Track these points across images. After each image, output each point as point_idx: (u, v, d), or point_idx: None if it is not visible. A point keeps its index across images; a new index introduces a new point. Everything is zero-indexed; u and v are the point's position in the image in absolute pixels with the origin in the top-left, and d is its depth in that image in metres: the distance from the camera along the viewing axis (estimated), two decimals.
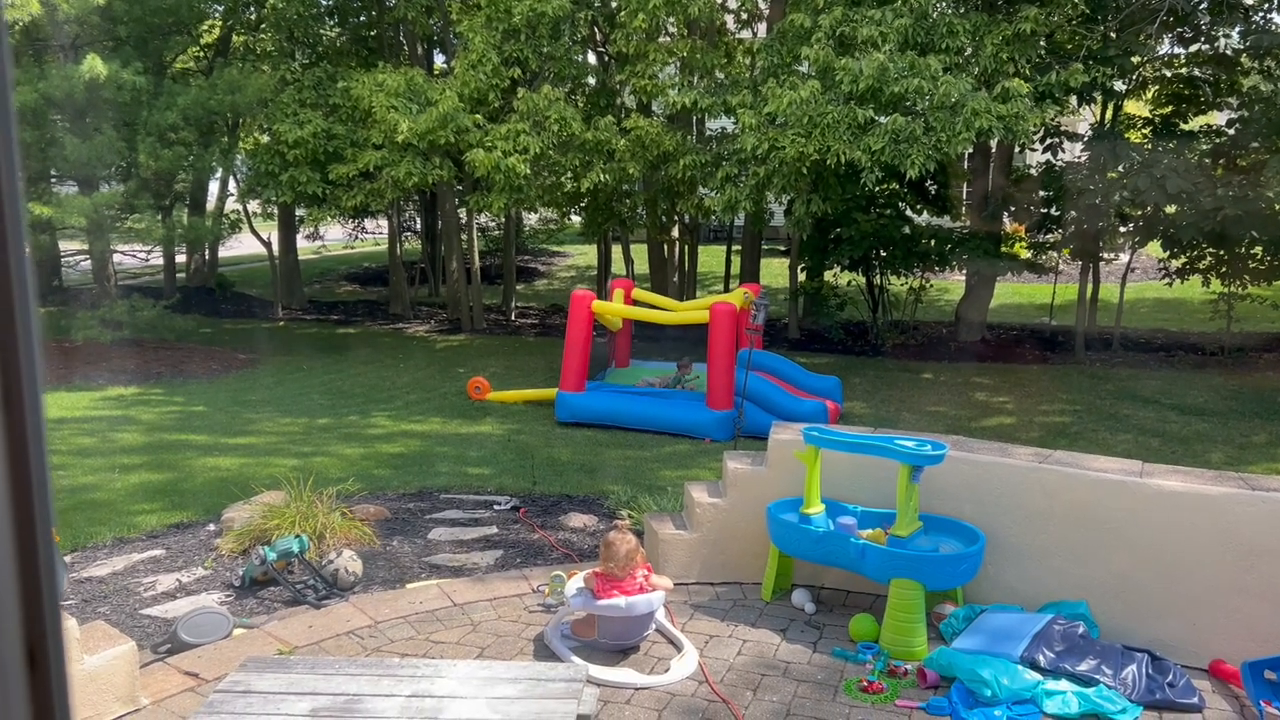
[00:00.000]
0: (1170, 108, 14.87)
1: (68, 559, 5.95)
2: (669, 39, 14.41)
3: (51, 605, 0.44)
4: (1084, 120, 17.87)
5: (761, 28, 16.18)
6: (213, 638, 4.74)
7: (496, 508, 7.03)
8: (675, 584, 5.24)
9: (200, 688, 4.25)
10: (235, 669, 3.49)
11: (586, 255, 25.35)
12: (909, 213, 15.53)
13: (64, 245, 18.35)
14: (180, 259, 20.82)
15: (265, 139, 16.88)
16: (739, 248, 17.30)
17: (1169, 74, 14.97)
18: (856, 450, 4.97)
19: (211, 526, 6.47)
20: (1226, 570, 4.49)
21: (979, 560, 4.79)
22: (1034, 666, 4.26)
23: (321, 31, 18.04)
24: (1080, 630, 4.47)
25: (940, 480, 5.03)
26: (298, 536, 5.60)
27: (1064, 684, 4.16)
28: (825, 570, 5.36)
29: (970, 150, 13.25)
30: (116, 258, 15.66)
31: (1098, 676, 4.20)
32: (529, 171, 12.86)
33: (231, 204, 19.53)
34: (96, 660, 3.87)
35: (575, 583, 4.82)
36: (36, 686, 0.43)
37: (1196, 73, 14.58)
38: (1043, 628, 4.45)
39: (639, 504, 6.74)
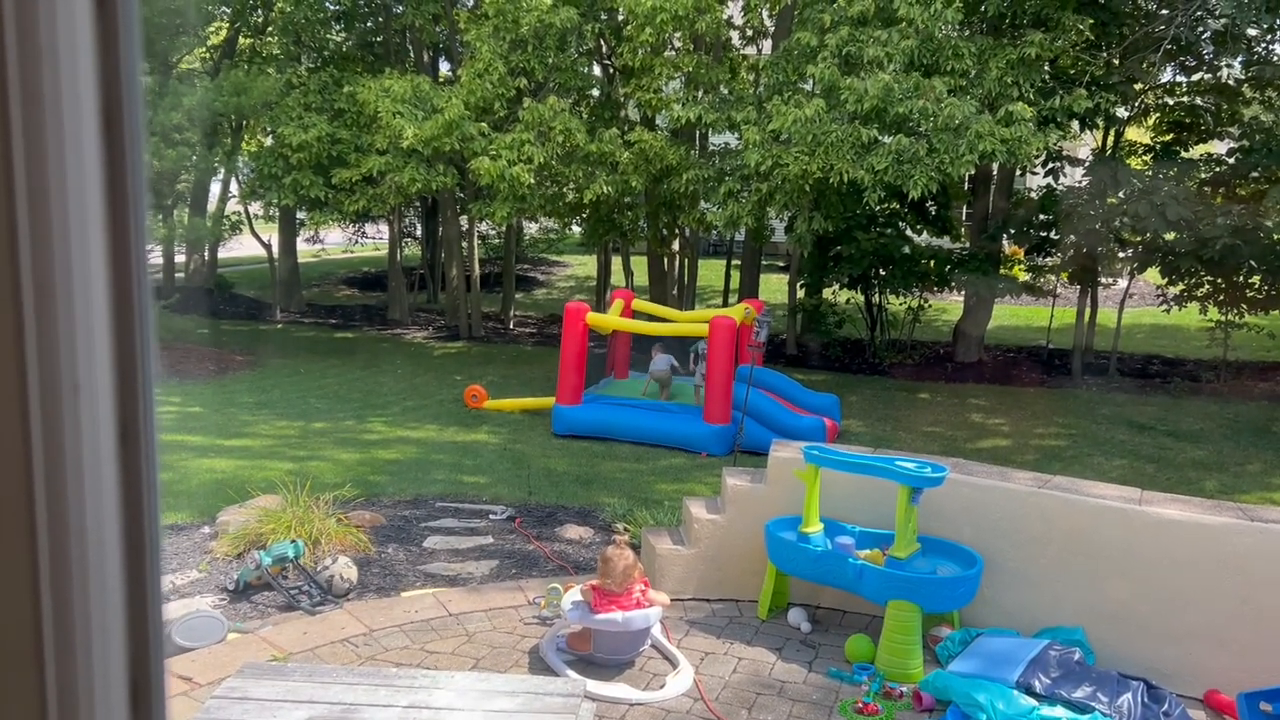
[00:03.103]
0: (1171, 135, 14.95)
1: None
2: (674, 53, 14.46)
3: (156, 642, 0.44)
4: (1085, 145, 17.95)
5: (767, 45, 16.24)
6: (207, 641, 4.72)
7: (492, 517, 7.02)
8: (672, 600, 5.23)
9: (194, 692, 4.23)
10: (233, 675, 3.48)
11: (586, 266, 25.37)
12: (909, 232, 15.58)
13: None
14: (180, 259, 20.81)
15: (269, 141, 16.89)
16: (738, 262, 17.32)
17: (1171, 102, 15.06)
18: (857, 470, 4.97)
19: (206, 529, 6.45)
20: (1223, 600, 4.50)
21: (976, 583, 4.79)
22: (1029, 692, 4.26)
23: (328, 36, 18.07)
24: (1076, 657, 4.47)
25: (939, 502, 5.04)
26: (293, 541, 5.60)
27: (1059, 710, 4.15)
28: (822, 589, 5.35)
29: (972, 172, 13.31)
30: None
31: (1093, 704, 4.19)
32: (533, 181, 12.88)
33: (233, 205, 19.53)
34: None
35: (572, 596, 4.81)
36: None
37: (1198, 101, 14.67)
38: (1039, 653, 4.45)
39: (635, 517, 6.74)
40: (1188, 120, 14.79)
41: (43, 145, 0.39)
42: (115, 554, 0.43)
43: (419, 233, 23.29)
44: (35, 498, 0.40)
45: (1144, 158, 15.04)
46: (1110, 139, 14.76)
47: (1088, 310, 14.64)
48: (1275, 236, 12.22)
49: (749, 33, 16.32)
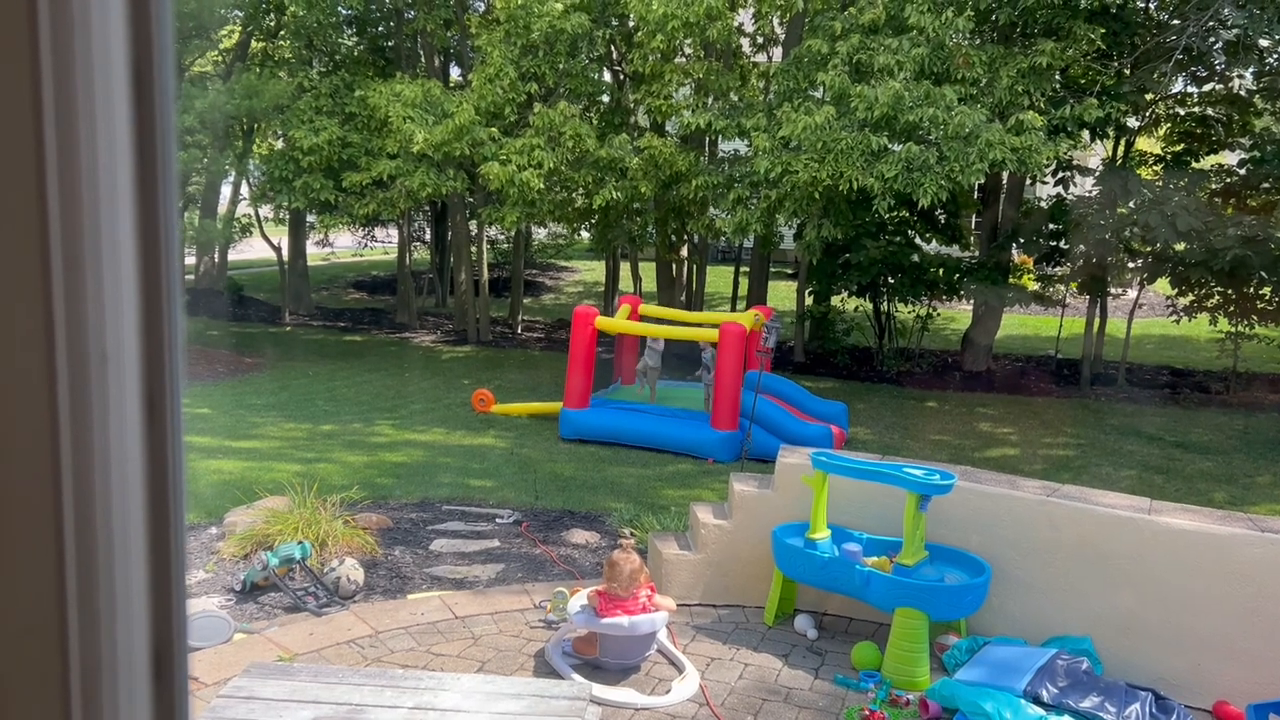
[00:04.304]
0: (1182, 145, 14.90)
1: None
2: (685, 60, 14.49)
3: (179, 616, 0.45)
4: (1095, 155, 17.92)
5: (777, 52, 16.26)
6: (213, 642, 4.72)
7: (499, 521, 7.03)
8: (678, 605, 5.22)
9: (200, 692, 4.24)
10: (239, 675, 3.48)
11: (594, 271, 25.40)
12: (918, 241, 15.56)
13: None
14: (190, 261, 20.88)
15: (280, 145, 16.95)
16: (747, 269, 17.33)
17: (1182, 112, 15.03)
18: (864, 477, 4.96)
19: (214, 530, 6.46)
20: (1232, 611, 4.47)
21: (984, 592, 4.77)
22: (1037, 701, 4.23)
23: (340, 40, 18.15)
24: (1084, 666, 4.45)
25: (947, 510, 5.02)
26: (300, 543, 5.60)
27: None
28: (829, 596, 5.34)
29: (982, 181, 13.30)
30: None
31: (1101, 714, 4.17)
32: (542, 186, 12.90)
33: (243, 208, 19.60)
34: None
35: (578, 600, 4.81)
36: (160, 697, 0.44)
37: (1209, 111, 14.63)
38: (1046, 662, 4.42)
39: (642, 522, 6.73)
40: (1198, 130, 14.75)
41: (73, 112, 0.39)
42: (139, 525, 0.43)
43: (428, 237, 23.34)
44: (61, 467, 0.40)
45: (1154, 168, 14.99)
46: (1121, 149, 14.73)
47: (1097, 320, 14.60)
48: None
49: (760, 40, 16.35)
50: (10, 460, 0.40)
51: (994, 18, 12.32)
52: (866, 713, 4.29)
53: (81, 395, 0.41)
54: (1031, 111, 10.95)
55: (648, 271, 19.04)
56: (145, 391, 0.43)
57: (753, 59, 17.12)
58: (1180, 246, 12.63)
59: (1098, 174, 13.87)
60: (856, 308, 15.97)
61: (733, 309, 18.11)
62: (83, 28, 0.38)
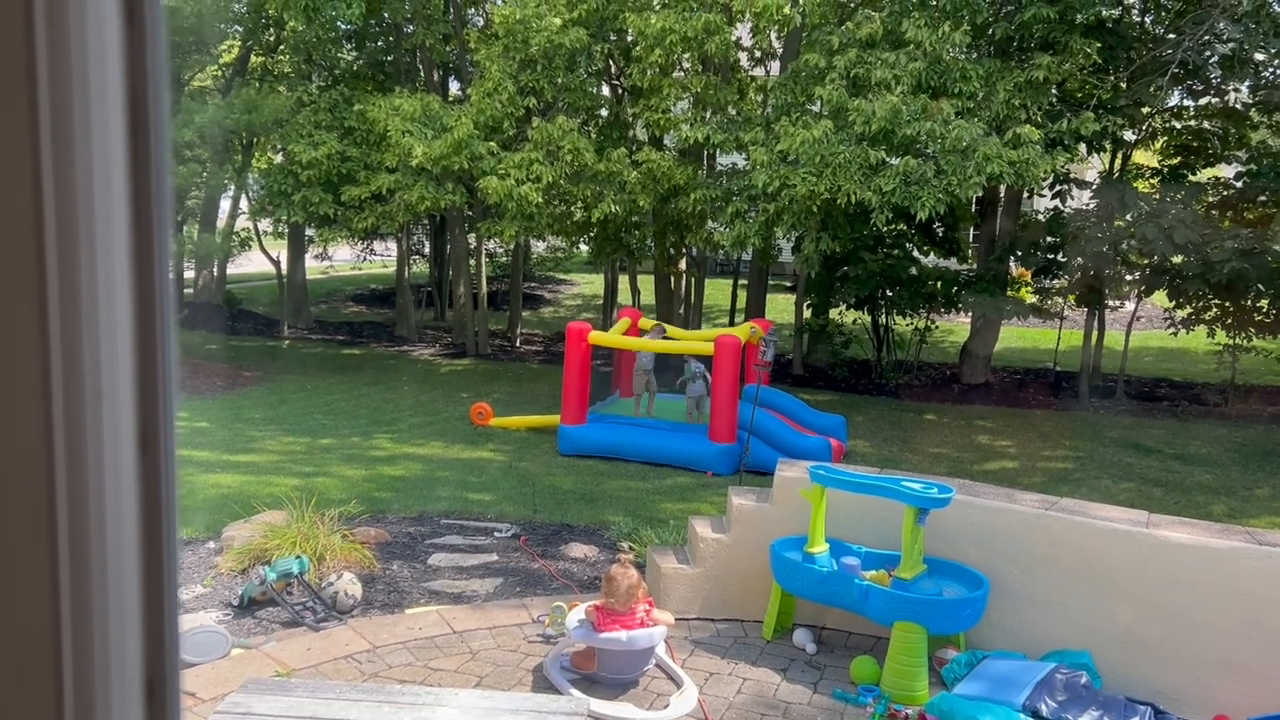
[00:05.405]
0: (1178, 158, 14.96)
1: None
2: (683, 74, 14.54)
3: (172, 644, 0.45)
4: (1093, 168, 17.98)
5: (775, 66, 16.33)
6: (211, 657, 4.71)
7: (497, 535, 7.02)
8: (676, 619, 5.21)
9: (197, 707, 4.23)
10: (236, 690, 3.47)
11: (593, 284, 25.42)
12: (916, 254, 15.60)
13: None
14: (189, 275, 20.90)
15: (279, 159, 16.99)
16: (745, 282, 17.35)
17: (1178, 125, 15.09)
18: (863, 490, 4.96)
19: (212, 544, 6.45)
20: (1231, 624, 4.47)
21: (983, 605, 4.77)
22: (1036, 715, 4.23)
23: (339, 55, 18.20)
24: (1083, 680, 4.44)
25: (946, 524, 5.02)
26: (298, 557, 5.59)
27: None
28: (827, 610, 5.33)
29: (979, 194, 13.34)
30: None
31: None
32: (541, 200, 12.93)
33: (242, 222, 19.63)
34: None
35: (576, 615, 4.81)
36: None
37: (1205, 125, 14.69)
38: (1045, 676, 4.42)
39: (640, 536, 6.72)
40: (1195, 144, 14.81)
41: (70, 155, 0.40)
42: (133, 558, 0.44)
43: (427, 250, 23.38)
44: (56, 500, 0.41)
45: (1151, 181, 15.05)
46: (1117, 162, 14.78)
47: (1095, 332, 14.62)
48: None
49: (757, 54, 16.40)
50: (6, 493, 0.40)
51: (991, 32, 12.38)
52: None
53: (76, 431, 0.41)
54: (1028, 125, 10.99)
55: (646, 284, 19.06)
56: (139, 426, 0.44)
57: (750, 73, 17.17)
58: (1177, 259, 12.66)
59: (1095, 187, 13.91)
60: (855, 320, 16.00)
61: (731, 322, 18.13)
62: (80, 76, 0.39)
